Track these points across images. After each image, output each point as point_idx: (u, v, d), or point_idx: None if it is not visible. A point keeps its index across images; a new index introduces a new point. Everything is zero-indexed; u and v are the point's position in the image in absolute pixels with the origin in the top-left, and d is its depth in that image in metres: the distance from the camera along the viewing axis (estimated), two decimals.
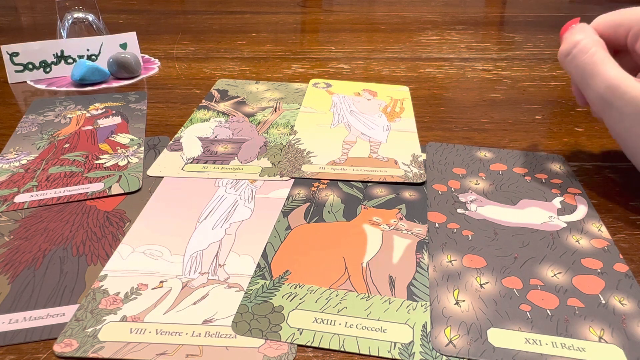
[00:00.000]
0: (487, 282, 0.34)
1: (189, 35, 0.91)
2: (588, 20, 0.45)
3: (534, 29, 0.96)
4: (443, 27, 0.98)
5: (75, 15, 0.77)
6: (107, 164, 0.47)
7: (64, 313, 0.31)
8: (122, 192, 0.43)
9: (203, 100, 0.61)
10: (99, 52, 0.72)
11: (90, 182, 0.44)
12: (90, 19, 0.78)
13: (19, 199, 0.42)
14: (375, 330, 0.30)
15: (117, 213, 0.40)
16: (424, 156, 0.49)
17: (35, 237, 0.38)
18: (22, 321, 0.31)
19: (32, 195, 0.42)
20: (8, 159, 0.48)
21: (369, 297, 0.32)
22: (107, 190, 0.43)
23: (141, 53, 0.76)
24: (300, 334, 0.30)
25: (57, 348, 0.28)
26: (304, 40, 0.90)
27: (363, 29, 0.98)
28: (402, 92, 0.65)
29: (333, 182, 0.45)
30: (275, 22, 1.02)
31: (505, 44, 0.88)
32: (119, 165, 0.47)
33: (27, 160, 0.48)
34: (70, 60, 0.71)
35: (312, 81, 0.68)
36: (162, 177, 0.45)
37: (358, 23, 1.02)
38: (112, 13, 1.07)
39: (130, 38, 0.74)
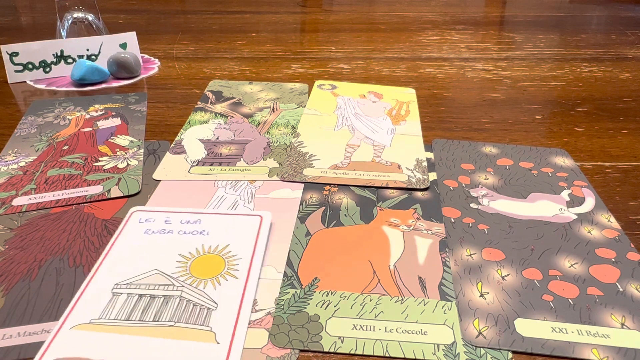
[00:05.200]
0: (508, 274, 0.34)
1: (188, 35, 0.91)
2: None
3: (534, 29, 0.96)
4: (443, 27, 0.98)
5: (75, 15, 0.77)
6: (107, 167, 0.47)
7: None
8: (122, 195, 0.43)
9: (198, 102, 0.61)
10: (99, 52, 0.72)
11: (90, 185, 0.44)
12: (90, 18, 0.78)
13: (17, 201, 0.42)
14: (416, 333, 0.30)
15: (116, 221, 0.40)
16: (429, 155, 0.49)
17: (31, 246, 0.37)
18: (15, 337, 0.29)
19: (30, 198, 0.42)
20: (7, 161, 0.48)
21: (402, 299, 0.32)
22: (107, 194, 0.43)
23: (141, 53, 0.75)
24: (342, 342, 0.29)
25: None
26: (304, 40, 0.90)
27: (363, 29, 0.98)
28: (408, 95, 0.65)
29: (344, 185, 0.45)
30: (275, 22, 1.02)
31: (505, 44, 0.88)
32: (118, 168, 0.46)
33: (26, 162, 0.47)
34: (70, 60, 0.71)
35: (317, 82, 0.68)
36: (160, 180, 0.45)
37: (358, 23, 1.02)
38: (112, 13, 1.06)
39: (130, 38, 0.73)
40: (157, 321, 0.30)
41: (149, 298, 0.32)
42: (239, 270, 0.34)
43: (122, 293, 0.32)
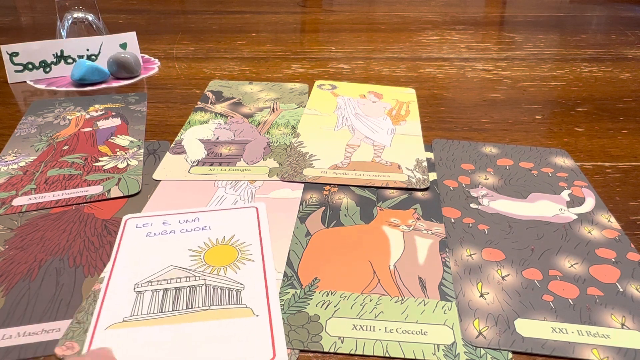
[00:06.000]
0: (508, 275, 0.34)
1: (188, 35, 0.91)
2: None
3: (534, 29, 0.96)
4: (443, 27, 0.98)
5: (75, 15, 0.77)
6: (107, 167, 0.47)
7: (59, 328, 0.30)
8: (122, 195, 0.43)
9: (198, 102, 0.61)
10: (99, 52, 0.72)
11: (90, 185, 0.44)
12: (90, 18, 0.78)
13: (17, 201, 0.42)
14: (416, 333, 0.30)
15: (116, 221, 0.39)
16: (429, 155, 0.49)
17: (31, 246, 0.37)
18: (15, 337, 0.29)
19: (30, 198, 0.42)
20: (7, 161, 0.48)
21: (402, 300, 0.32)
22: (107, 194, 0.43)
23: (141, 53, 0.75)
24: (342, 342, 0.29)
25: (59, 351, 0.28)
26: (304, 40, 0.90)
27: (363, 29, 0.98)
28: (408, 95, 0.65)
29: (344, 185, 0.45)
30: (275, 22, 1.02)
31: (505, 44, 0.88)
32: (118, 168, 0.46)
33: (26, 163, 0.47)
34: (70, 60, 0.71)
35: (317, 82, 0.68)
36: (160, 180, 0.45)
37: (358, 23, 1.02)
38: (112, 13, 1.06)
39: (130, 38, 0.73)
40: (192, 308, 0.31)
41: (174, 290, 0.32)
42: (253, 254, 0.35)
43: (145, 290, 0.32)
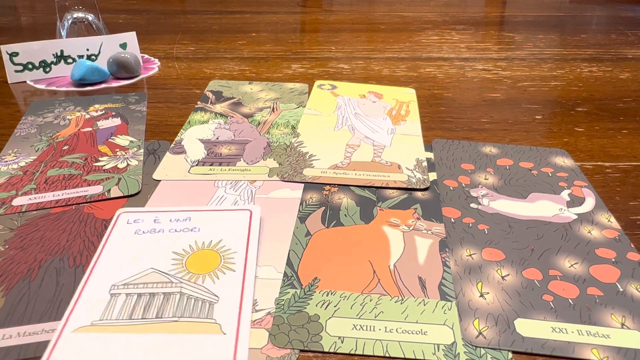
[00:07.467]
0: (508, 274, 0.34)
1: (188, 35, 0.91)
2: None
3: (534, 29, 0.96)
4: (443, 27, 0.98)
5: (75, 15, 0.77)
6: (107, 167, 0.47)
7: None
8: (122, 195, 0.43)
9: (198, 102, 0.61)
10: (99, 52, 0.72)
11: (90, 185, 0.44)
12: (90, 18, 0.78)
13: (17, 201, 0.42)
14: (416, 333, 0.30)
15: None
16: (429, 155, 0.49)
17: (31, 246, 0.37)
18: (15, 337, 0.29)
19: (30, 198, 0.42)
20: (7, 161, 0.48)
21: (402, 300, 0.32)
22: (107, 194, 0.43)
23: (141, 53, 0.75)
24: (342, 342, 0.29)
25: None
26: (304, 40, 0.90)
27: (363, 29, 0.98)
28: (408, 95, 0.65)
29: (344, 185, 0.45)
30: (275, 22, 1.02)
31: (505, 44, 0.88)
32: (118, 168, 0.46)
33: (26, 162, 0.47)
34: (70, 60, 0.71)
35: (317, 82, 0.68)
36: (160, 180, 0.45)
37: (358, 23, 1.02)
38: (112, 13, 1.06)
39: (130, 38, 0.73)
40: (161, 318, 0.30)
41: (148, 296, 0.32)
42: (236, 264, 0.34)
43: (120, 294, 0.32)
